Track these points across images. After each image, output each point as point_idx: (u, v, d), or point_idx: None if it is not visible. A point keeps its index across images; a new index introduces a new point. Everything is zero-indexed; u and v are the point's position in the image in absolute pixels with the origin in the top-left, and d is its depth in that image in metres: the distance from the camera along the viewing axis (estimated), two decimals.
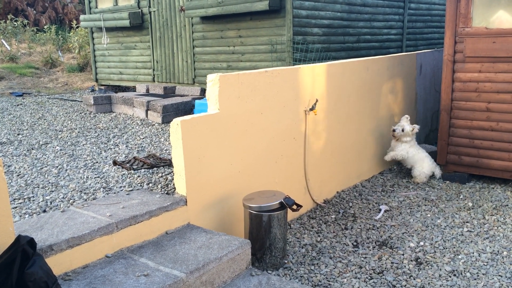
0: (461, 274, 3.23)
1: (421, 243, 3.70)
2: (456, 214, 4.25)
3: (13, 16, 15.74)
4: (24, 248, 2.11)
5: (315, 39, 6.93)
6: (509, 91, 4.67)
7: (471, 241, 3.72)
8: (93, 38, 10.03)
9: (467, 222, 4.08)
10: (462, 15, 4.81)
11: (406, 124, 5.03)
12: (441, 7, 9.66)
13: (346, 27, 7.49)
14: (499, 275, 3.20)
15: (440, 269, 3.29)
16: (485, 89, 4.81)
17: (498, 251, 3.53)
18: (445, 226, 4.00)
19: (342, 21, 7.39)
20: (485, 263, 3.37)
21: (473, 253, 3.52)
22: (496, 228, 3.94)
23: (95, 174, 4.10)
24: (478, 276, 3.20)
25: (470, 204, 4.47)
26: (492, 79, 4.75)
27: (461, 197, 4.68)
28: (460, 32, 4.86)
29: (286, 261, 3.41)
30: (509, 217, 4.14)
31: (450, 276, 3.20)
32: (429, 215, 4.24)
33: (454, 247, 3.62)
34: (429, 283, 3.12)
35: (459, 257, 3.47)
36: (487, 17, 4.73)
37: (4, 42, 14.06)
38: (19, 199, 3.54)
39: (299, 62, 6.47)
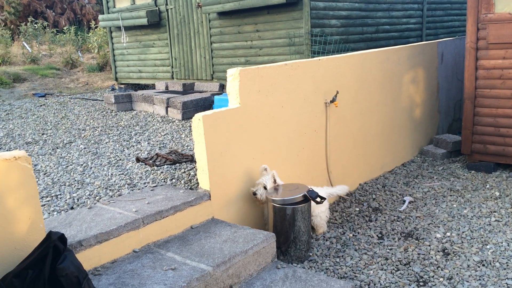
0: (490, 264, 3.18)
1: (448, 234, 3.65)
2: (483, 204, 4.18)
3: (33, 19, 16.01)
4: (56, 243, 2.16)
5: (333, 30, 6.86)
6: None
7: (499, 231, 3.65)
8: (111, 38, 10.14)
9: (495, 211, 4.00)
10: (484, 1, 4.70)
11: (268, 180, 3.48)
12: None
13: (365, 18, 7.40)
14: None
15: (468, 260, 3.24)
16: (510, 76, 4.70)
17: None
18: (472, 216, 3.94)
19: (360, 11, 7.30)
20: None
21: (502, 242, 3.46)
22: None
23: (119, 171, 4.16)
24: (507, 266, 3.14)
25: (497, 193, 4.38)
26: None
27: (487, 186, 4.59)
28: (482, 19, 4.75)
29: (311, 254, 3.41)
30: None
31: (478, 266, 3.15)
32: (455, 206, 4.18)
33: (482, 237, 3.56)
34: (457, 274, 3.07)
35: (488, 247, 3.41)
36: (510, 2, 4.61)
37: (25, 44, 14.33)
38: (47, 197, 3.61)
39: (318, 55, 6.43)
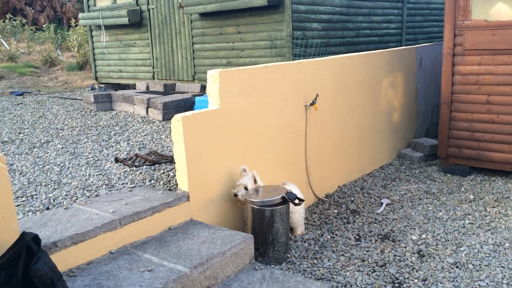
0: (464, 266, 3.24)
1: (423, 236, 3.71)
2: (458, 206, 4.27)
3: (11, 16, 15.72)
4: (29, 244, 2.12)
5: (315, 34, 6.92)
6: (509, 83, 4.67)
7: (473, 233, 3.73)
8: (92, 36, 10.02)
9: (469, 214, 4.09)
10: (461, 8, 4.81)
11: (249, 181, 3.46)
12: (440, 1, 9.65)
13: (345, 22, 7.48)
14: (501, 267, 3.21)
15: (443, 261, 3.31)
16: (485, 82, 4.82)
17: (500, 243, 3.55)
18: (446, 219, 4.01)
19: (341, 15, 7.38)
20: (488, 255, 3.38)
21: (475, 245, 3.53)
22: (497, 220, 3.95)
23: (97, 172, 4.11)
24: (480, 267, 3.22)
25: (472, 196, 4.48)
26: (492, 72, 4.76)
27: (462, 189, 4.69)
28: (459, 25, 4.85)
29: (289, 256, 3.42)
30: (510, 209, 4.15)
31: (452, 268, 3.22)
32: (430, 208, 4.25)
33: (456, 239, 3.63)
34: (431, 275, 3.13)
35: (461, 249, 3.48)
36: (486, 9, 4.73)
37: (3, 41, 14.05)
38: (22, 197, 3.55)
39: (299, 58, 6.47)
